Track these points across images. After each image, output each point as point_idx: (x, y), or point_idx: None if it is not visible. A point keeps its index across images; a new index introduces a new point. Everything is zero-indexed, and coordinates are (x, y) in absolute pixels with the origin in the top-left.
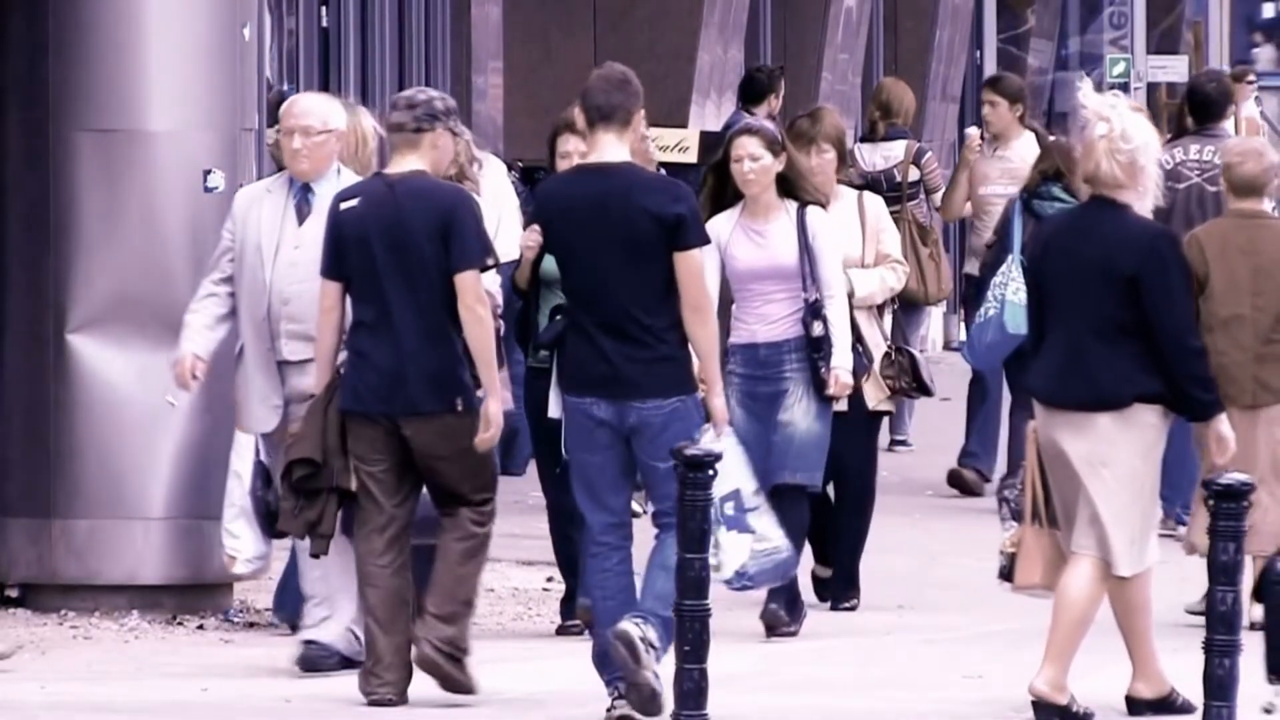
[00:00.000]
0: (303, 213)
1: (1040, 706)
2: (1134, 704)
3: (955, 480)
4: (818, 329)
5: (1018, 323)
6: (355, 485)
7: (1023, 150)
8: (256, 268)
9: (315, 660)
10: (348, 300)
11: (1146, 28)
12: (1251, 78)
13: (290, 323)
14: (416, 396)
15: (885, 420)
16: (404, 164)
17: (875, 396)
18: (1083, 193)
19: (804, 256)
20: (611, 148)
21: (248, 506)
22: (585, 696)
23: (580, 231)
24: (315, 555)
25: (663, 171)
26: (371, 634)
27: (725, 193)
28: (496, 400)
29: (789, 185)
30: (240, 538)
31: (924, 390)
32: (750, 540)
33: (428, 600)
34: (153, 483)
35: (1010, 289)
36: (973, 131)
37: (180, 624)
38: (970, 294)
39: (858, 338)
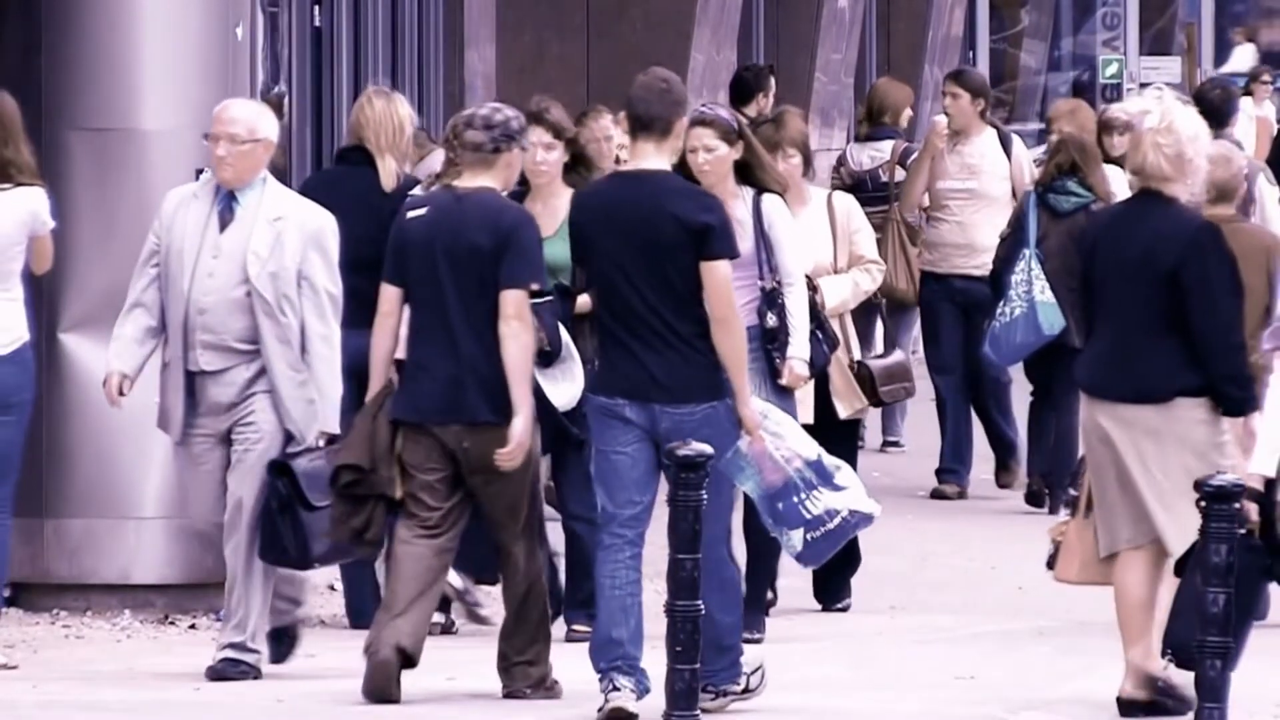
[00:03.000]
0: (225, 220)
1: (1129, 706)
2: (1126, 705)
3: (938, 496)
4: (771, 320)
5: (1052, 323)
6: (402, 493)
7: (982, 146)
8: (178, 275)
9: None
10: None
11: (1139, 29)
12: (1267, 78)
13: (205, 333)
14: (475, 407)
15: (881, 421)
16: (475, 180)
17: (850, 406)
18: (1118, 186)
19: (760, 244)
20: (649, 156)
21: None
22: (579, 696)
23: (610, 237)
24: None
25: None
26: (394, 590)
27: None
28: (523, 419)
29: (749, 172)
30: None
31: (879, 404)
32: (802, 533)
33: (507, 644)
34: (145, 482)
35: (1037, 288)
36: (940, 119)
37: (172, 624)
38: (927, 293)
39: (819, 324)
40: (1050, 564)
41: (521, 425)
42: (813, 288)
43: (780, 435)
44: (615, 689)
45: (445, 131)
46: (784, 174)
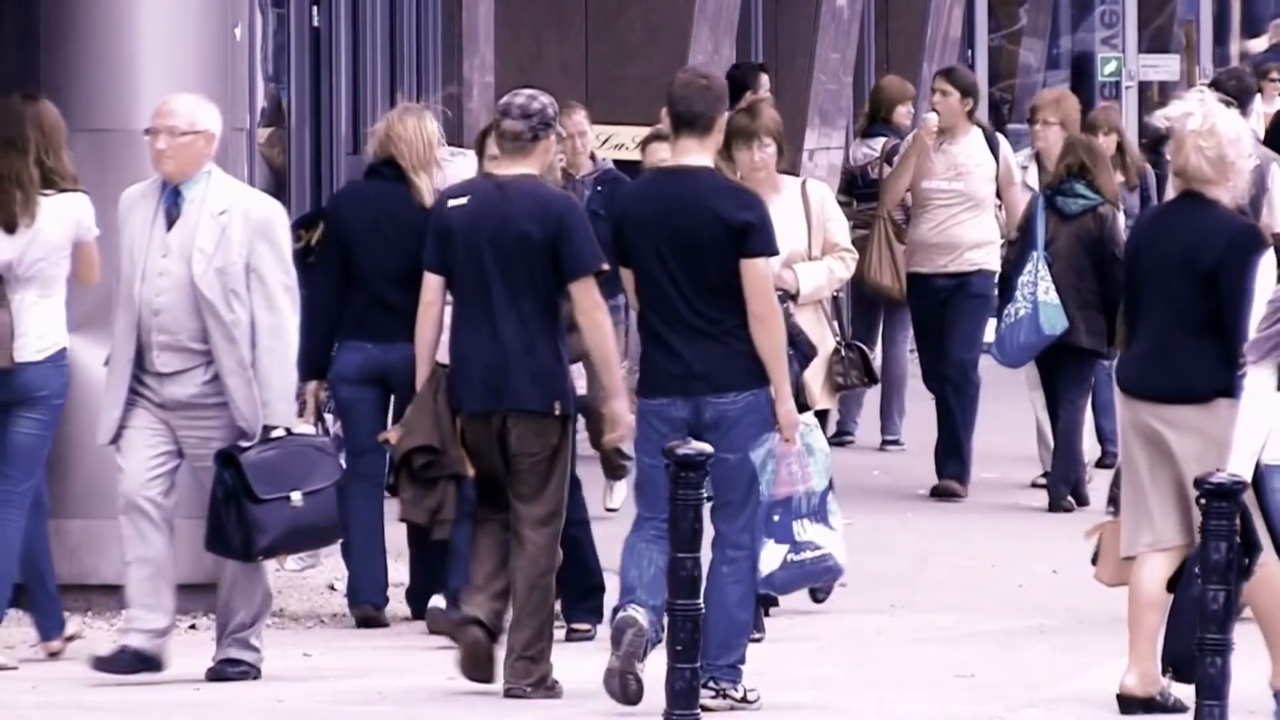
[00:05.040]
0: (172, 217)
1: (1129, 701)
2: (1126, 702)
3: (938, 493)
4: None
5: (1054, 323)
6: (473, 472)
7: (969, 146)
8: (130, 276)
9: (121, 663)
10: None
11: (1138, 27)
12: (1276, 75)
13: (161, 334)
14: (518, 395)
15: (880, 420)
16: (515, 168)
17: (813, 397)
18: (1167, 187)
19: None
20: (691, 153)
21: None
22: (579, 696)
23: (650, 232)
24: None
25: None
26: (472, 568)
27: None
28: (621, 401)
29: None
30: None
31: (875, 380)
32: (785, 550)
33: (513, 637)
34: None
35: (1041, 289)
36: (931, 116)
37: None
38: (915, 297)
39: (792, 339)
40: (1095, 561)
41: (620, 407)
42: (790, 297)
43: (812, 450)
44: (624, 611)
45: (476, 140)
46: (759, 162)
